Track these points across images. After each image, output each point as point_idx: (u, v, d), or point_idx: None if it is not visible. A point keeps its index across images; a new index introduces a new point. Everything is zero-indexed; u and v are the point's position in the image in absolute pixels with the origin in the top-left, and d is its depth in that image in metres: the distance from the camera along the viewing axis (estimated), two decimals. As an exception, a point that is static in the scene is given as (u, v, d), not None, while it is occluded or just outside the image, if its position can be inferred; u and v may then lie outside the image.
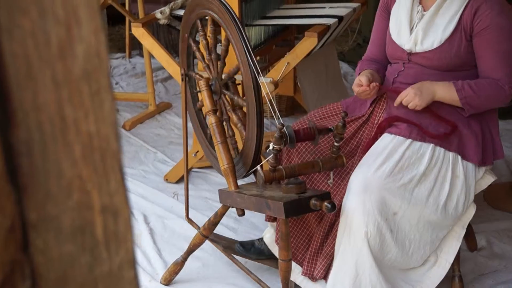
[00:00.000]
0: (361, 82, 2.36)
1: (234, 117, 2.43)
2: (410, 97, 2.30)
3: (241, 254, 2.62)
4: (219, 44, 2.71)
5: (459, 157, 2.31)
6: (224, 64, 2.43)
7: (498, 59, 2.31)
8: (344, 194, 2.28)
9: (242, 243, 2.64)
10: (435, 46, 2.34)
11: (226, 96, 2.45)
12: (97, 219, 0.55)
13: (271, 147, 2.22)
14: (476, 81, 2.32)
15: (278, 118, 2.18)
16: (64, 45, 0.50)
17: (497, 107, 2.41)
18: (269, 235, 2.56)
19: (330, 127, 2.26)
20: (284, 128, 2.16)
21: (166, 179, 3.41)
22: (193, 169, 3.49)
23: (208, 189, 3.33)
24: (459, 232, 2.37)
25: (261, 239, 2.62)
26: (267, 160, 2.21)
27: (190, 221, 2.70)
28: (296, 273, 2.41)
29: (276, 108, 2.20)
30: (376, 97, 2.44)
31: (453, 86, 2.30)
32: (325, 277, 2.34)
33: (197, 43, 2.55)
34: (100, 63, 0.52)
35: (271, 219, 2.53)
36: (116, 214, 0.56)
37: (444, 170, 2.29)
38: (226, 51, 2.39)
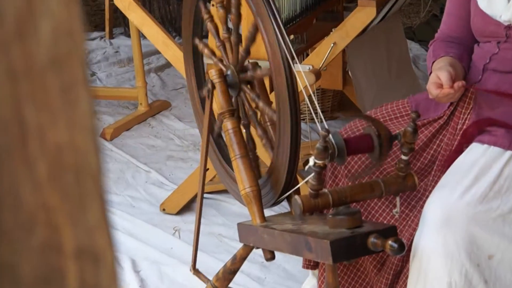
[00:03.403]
0: (440, 80, 2.33)
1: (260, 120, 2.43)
2: None
3: None
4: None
5: None
6: (248, 53, 2.42)
7: None
8: (415, 228, 2.27)
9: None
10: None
11: (247, 92, 2.45)
12: (69, 266, 0.55)
13: (311, 163, 2.22)
14: None
15: (322, 121, 2.17)
16: (23, 21, 0.50)
17: None
18: (310, 288, 2.56)
19: (394, 133, 2.25)
20: (330, 135, 2.16)
21: (163, 209, 3.42)
22: (202, 195, 3.50)
23: (223, 222, 3.33)
24: None
25: (298, 294, 2.62)
26: (306, 181, 2.21)
27: (196, 272, 2.67)
28: None
29: (318, 108, 2.20)
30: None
31: None
32: None
33: (208, 11, 2.55)
34: (74, 47, 0.52)
35: (311, 265, 2.52)
36: (96, 259, 0.56)
37: (560, 194, 2.27)
38: (253, 39, 2.39)
